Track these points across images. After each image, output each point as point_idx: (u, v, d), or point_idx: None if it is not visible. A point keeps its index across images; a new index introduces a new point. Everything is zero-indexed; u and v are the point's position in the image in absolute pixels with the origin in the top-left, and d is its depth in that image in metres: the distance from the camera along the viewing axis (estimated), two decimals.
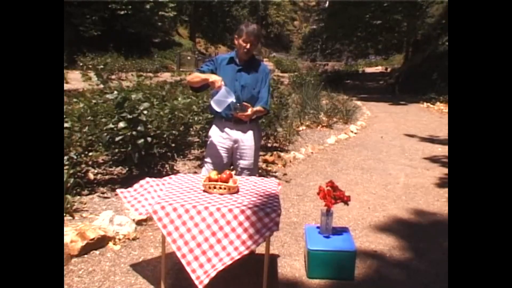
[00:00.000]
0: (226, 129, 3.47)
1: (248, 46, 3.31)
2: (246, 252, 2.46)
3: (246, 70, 3.42)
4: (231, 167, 3.61)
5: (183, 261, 2.46)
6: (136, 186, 3.09)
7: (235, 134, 3.46)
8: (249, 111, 3.30)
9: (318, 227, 3.35)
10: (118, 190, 3.08)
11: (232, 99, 3.17)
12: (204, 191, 2.83)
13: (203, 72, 3.42)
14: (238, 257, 2.44)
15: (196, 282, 2.40)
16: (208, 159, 3.56)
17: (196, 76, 3.40)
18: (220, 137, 3.50)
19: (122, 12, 25.53)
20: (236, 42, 3.41)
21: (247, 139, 3.47)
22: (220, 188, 2.80)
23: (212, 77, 3.23)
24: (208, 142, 3.61)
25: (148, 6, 26.60)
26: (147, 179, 3.10)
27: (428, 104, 16.00)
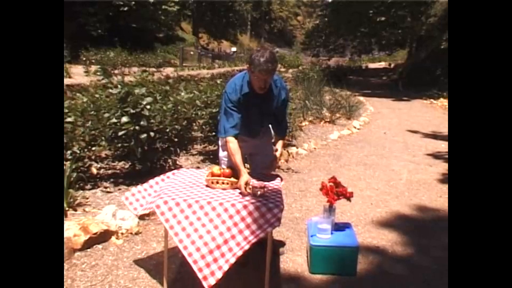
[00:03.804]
0: (244, 139, 3.18)
1: (262, 85, 2.93)
2: (247, 247, 2.47)
3: (265, 101, 3.12)
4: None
5: (185, 252, 2.46)
6: (141, 187, 3.13)
7: (253, 140, 3.29)
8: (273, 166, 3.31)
9: None
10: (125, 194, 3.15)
11: (332, 217, 3.23)
12: (207, 186, 2.83)
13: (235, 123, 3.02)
14: (241, 253, 2.45)
15: (200, 275, 2.41)
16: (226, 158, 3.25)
17: (233, 155, 2.96)
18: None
19: (126, 8, 25.54)
20: (249, 72, 2.98)
21: (263, 144, 3.36)
22: (223, 183, 2.81)
23: (242, 179, 2.78)
24: (223, 152, 3.32)
25: (151, 0, 26.56)
26: (156, 179, 3.15)
27: (432, 100, 15.97)
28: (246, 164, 3.55)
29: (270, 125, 3.38)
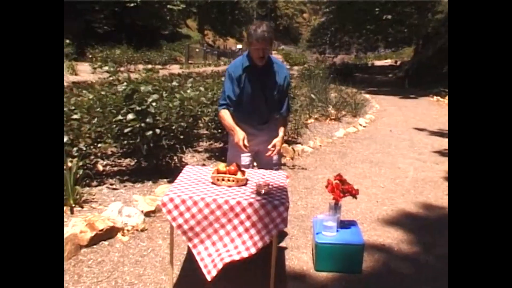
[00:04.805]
0: (253, 131, 3.30)
1: (260, 53, 3.06)
2: (254, 251, 2.51)
3: (267, 75, 3.21)
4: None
5: (194, 251, 2.52)
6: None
7: (260, 135, 3.35)
8: (277, 146, 3.27)
9: None
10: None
11: (338, 214, 3.22)
12: (213, 183, 2.83)
13: (227, 97, 3.23)
14: (246, 256, 2.50)
15: (204, 270, 2.48)
16: (234, 160, 3.25)
17: (224, 119, 3.22)
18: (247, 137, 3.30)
19: (132, 5, 25.62)
20: (248, 46, 3.15)
21: (272, 136, 3.35)
22: (229, 180, 2.81)
23: (236, 136, 3.09)
24: (232, 144, 3.36)
25: None
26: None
27: (438, 97, 15.85)
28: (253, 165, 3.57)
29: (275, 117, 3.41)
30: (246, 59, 3.19)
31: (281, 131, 3.36)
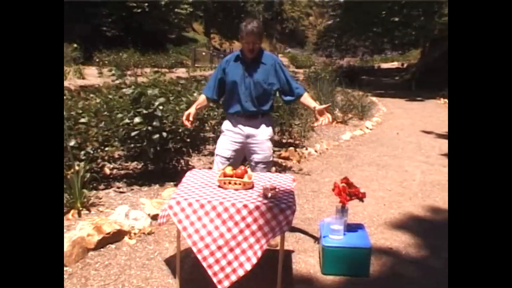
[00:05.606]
0: (239, 125, 3.46)
1: (250, 46, 3.29)
2: (260, 254, 2.51)
3: (254, 66, 3.40)
4: (246, 162, 3.62)
5: (199, 256, 2.50)
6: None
7: (247, 129, 3.44)
8: (327, 119, 3.33)
9: None
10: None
11: (345, 218, 3.21)
12: (219, 186, 2.84)
13: (214, 80, 3.59)
14: (255, 262, 2.50)
15: (214, 279, 2.50)
16: (219, 153, 3.51)
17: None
18: (232, 132, 3.48)
19: (139, 10, 25.80)
20: (240, 41, 3.39)
21: (259, 134, 3.45)
22: (235, 183, 2.81)
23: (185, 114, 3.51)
24: (220, 137, 3.59)
25: (163, 3, 26.78)
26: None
27: (445, 100, 15.77)
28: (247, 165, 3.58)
29: (268, 114, 3.53)
30: (239, 52, 3.48)
31: (313, 103, 3.46)
